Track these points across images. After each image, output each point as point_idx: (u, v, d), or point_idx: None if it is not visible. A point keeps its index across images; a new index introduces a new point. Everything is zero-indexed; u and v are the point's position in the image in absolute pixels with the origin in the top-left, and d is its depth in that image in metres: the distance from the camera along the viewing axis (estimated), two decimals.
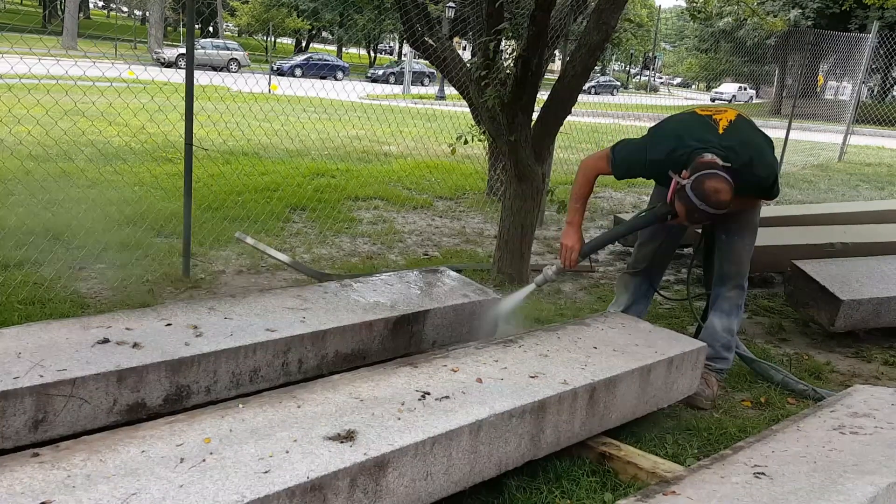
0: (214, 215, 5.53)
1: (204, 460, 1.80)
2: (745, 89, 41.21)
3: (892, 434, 2.34)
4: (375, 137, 10.96)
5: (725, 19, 29.02)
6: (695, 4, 9.64)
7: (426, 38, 6.39)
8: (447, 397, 2.24)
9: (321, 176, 7.93)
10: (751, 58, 32.54)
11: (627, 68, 61.40)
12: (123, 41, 28.99)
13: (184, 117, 4.21)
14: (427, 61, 7.73)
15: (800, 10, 28.64)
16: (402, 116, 11.85)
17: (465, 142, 5.38)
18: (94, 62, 5.05)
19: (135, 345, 2.40)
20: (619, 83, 44.34)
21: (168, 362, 2.34)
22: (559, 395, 2.36)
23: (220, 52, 30.17)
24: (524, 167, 4.51)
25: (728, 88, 41.63)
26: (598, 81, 34.93)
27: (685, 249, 5.54)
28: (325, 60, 34.27)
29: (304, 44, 48.70)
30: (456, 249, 5.64)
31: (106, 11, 58.53)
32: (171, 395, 2.36)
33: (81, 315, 3.33)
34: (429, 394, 2.26)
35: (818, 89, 26.71)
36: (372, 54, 50.63)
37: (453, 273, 3.62)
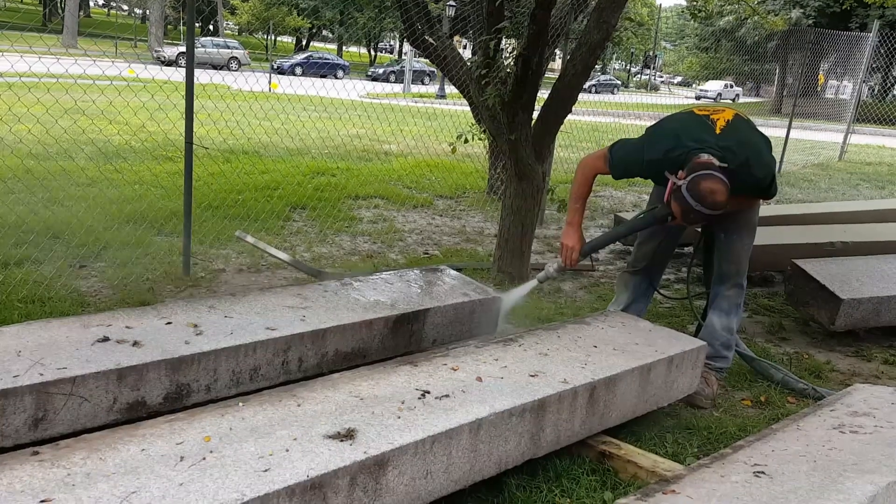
0: (215, 214, 5.53)
1: (204, 459, 1.80)
2: (731, 86, 40.90)
3: (892, 433, 2.34)
4: (376, 136, 10.95)
5: (726, 18, 29.00)
6: (695, 3, 9.63)
7: (426, 37, 6.39)
8: (447, 396, 2.24)
9: (321, 174, 7.93)
10: (751, 57, 32.52)
11: (628, 67, 61.36)
12: (124, 39, 28.95)
13: (184, 116, 4.21)
14: (427, 60, 7.74)
15: (801, 10, 28.62)
16: (402, 115, 11.85)
17: (466, 140, 5.38)
18: (95, 60, 5.05)
19: (135, 343, 2.40)
20: (619, 82, 44.32)
21: (168, 361, 2.34)
22: (559, 394, 2.36)
23: (221, 50, 30.17)
24: (524, 166, 4.51)
25: (713, 86, 41.25)
26: (598, 80, 34.89)
27: (685, 248, 5.54)
28: (326, 59, 34.24)
29: (304, 42, 48.69)
30: (456, 248, 5.64)
31: (106, 10, 58.52)
32: (171, 393, 2.36)
33: (81, 313, 3.33)
34: (429, 392, 2.26)
35: (819, 88, 26.72)
36: (372, 53, 50.60)
37: (453, 272, 3.62)
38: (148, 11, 38.80)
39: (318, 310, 2.88)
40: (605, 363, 2.63)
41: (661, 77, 61.07)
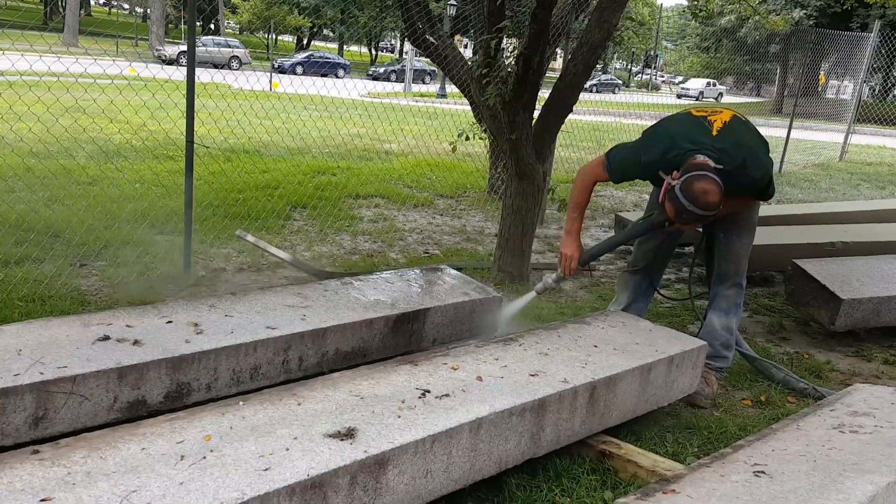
0: (215, 213, 5.53)
1: (204, 457, 1.80)
2: (714, 84, 40.51)
3: (892, 433, 2.34)
4: (376, 135, 10.95)
5: (727, 17, 28.97)
6: (696, 3, 9.63)
7: (427, 36, 6.38)
8: (447, 395, 2.24)
9: (322, 174, 7.93)
10: (752, 56, 32.48)
11: (629, 67, 61.33)
12: (125, 38, 28.99)
13: (185, 115, 4.21)
14: (428, 59, 7.73)
15: (803, 11, 28.59)
16: (403, 114, 11.85)
17: (467, 138, 5.37)
18: (96, 59, 5.04)
19: (135, 342, 2.40)
20: (620, 81, 44.28)
21: (169, 359, 2.34)
22: (559, 394, 2.36)
23: (222, 49, 30.15)
24: (525, 165, 4.51)
25: (695, 84, 40.87)
26: (599, 80, 34.85)
27: (686, 248, 5.54)
28: (327, 58, 34.23)
29: (305, 41, 48.68)
30: (456, 248, 5.64)
31: (107, 8, 58.53)
32: (172, 392, 2.37)
33: (82, 312, 3.34)
34: (429, 392, 2.26)
35: (819, 88, 26.70)
36: (373, 52, 50.60)
37: (454, 271, 3.62)
38: (149, 10, 38.81)
39: (318, 309, 2.88)
40: (605, 363, 2.63)
41: (662, 77, 61.02)
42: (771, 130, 9.57)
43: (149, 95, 6.11)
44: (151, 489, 1.66)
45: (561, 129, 4.92)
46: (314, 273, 4.47)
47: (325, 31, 51.19)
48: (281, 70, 28.31)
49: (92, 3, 54.20)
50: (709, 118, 3.01)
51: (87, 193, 5.89)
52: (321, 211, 6.12)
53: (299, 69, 30.14)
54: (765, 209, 4.69)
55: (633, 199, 8.46)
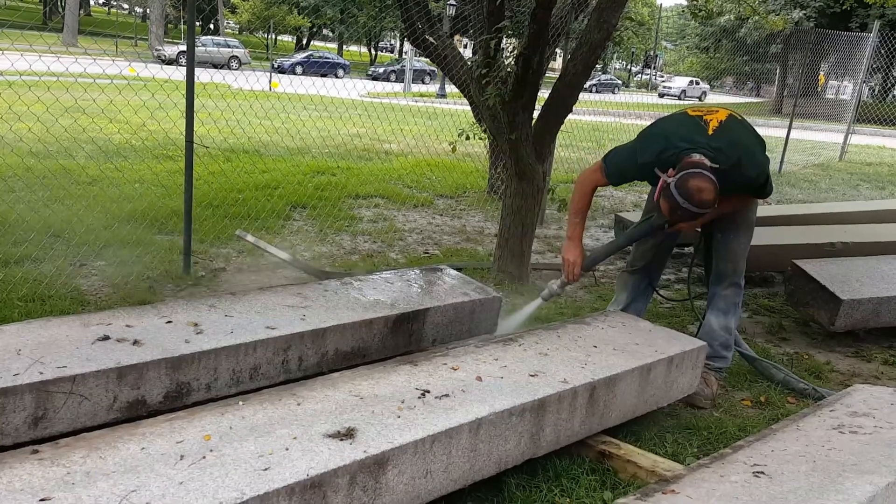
0: (215, 213, 5.53)
1: (204, 457, 1.80)
2: (697, 83, 40.17)
3: (892, 434, 2.34)
4: (376, 135, 10.95)
5: (726, 16, 28.97)
6: (696, 3, 9.63)
7: (427, 36, 6.38)
8: (447, 395, 2.24)
9: (322, 174, 7.93)
10: (752, 57, 32.49)
11: (629, 67, 61.34)
12: (124, 38, 28.99)
13: (184, 115, 4.21)
14: (428, 59, 7.73)
15: (802, 12, 28.58)
16: (402, 114, 11.85)
17: (467, 137, 5.37)
18: (95, 59, 5.04)
19: (135, 342, 2.40)
20: (620, 82, 44.29)
21: (168, 359, 2.34)
22: (559, 394, 2.36)
23: (221, 49, 30.14)
24: (525, 165, 4.51)
25: (678, 83, 40.40)
26: (599, 80, 34.85)
27: (685, 249, 5.54)
28: (326, 58, 34.23)
29: (304, 41, 48.67)
30: (456, 248, 5.64)
31: (107, 8, 58.52)
32: (172, 392, 2.37)
33: (81, 312, 3.33)
34: (429, 392, 2.26)
35: (819, 89, 26.70)
36: (373, 52, 50.59)
37: (453, 271, 3.62)
38: (148, 10, 38.79)
39: (318, 309, 2.88)
40: (604, 363, 2.63)
41: (662, 77, 61.01)
42: (770, 131, 9.58)
43: (148, 95, 6.11)
44: (151, 489, 1.66)
45: (561, 130, 4.92)
46: (314, 273, 4.47)
47: (325, 31, 51.18)
48: (280, 70, 28.30)
49: (91, 2, 54.18)
50: (704, 118, 3.02)
51: (86, 193, 5.89)
52: (321, 211, 6.12)
53: (299, 69, 30.13)
54: (764, 209, 4.70)
55: (632, 199, 8.46)
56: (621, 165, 3.14)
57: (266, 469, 1.76)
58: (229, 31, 45.76)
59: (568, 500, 2.35)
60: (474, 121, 6.44)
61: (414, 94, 23.26)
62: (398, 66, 34.11)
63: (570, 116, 4.74)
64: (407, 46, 31.13)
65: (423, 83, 32.42)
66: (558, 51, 6.74)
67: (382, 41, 55.28)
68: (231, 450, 1.84)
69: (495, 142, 5.62)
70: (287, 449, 1.86)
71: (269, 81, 17.57)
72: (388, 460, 1.91)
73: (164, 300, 3.79)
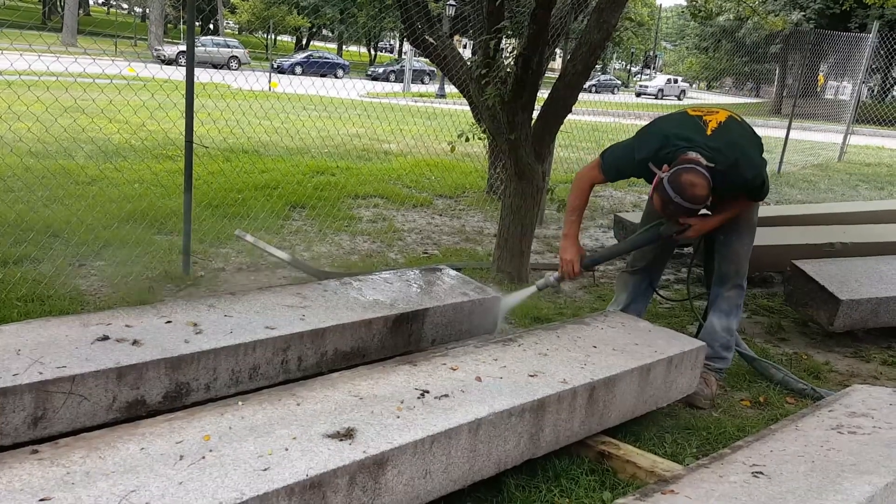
0: (214, 213, 5.53)
1: (203, 457, 1.80)
2: (675, 82, 40.02)
3: (890, 434, 2.34)
4: (375, 135, 10.95)
5: (724, 15, 28.97)
6: (695, 3, 9.63)
7: (426, 36, 6.39)
8: (446, 396, 2.24)
9: (321, 174, 7.93)
10: (751, 57, 32.51)
11: (628, 67, 61.35)
12: (123, 38, 28.97)
13: (184, 115, 4.21)
14: (427, 59, 7.73)
15: (802, 13, 28.59)
16: (402, 114, 11.86)
17: (467, 139, 5.38)
18: (94, 59, 5.04)
19: (134, 342, 2.40)
20: (619, 82, 44.31)
21: (168, 359, 2.34)
22: (558, 394, 2.37)
23: (221, 49, 30.14)
24: (524, 165, 4.51)
25: (655, 81, 40.18)
26: (598, 80, 34.86)
27: (685, 249, 5.54)
28: (326, 58, 34.23)
29: (304, 41, 48.67)
30: (455, 248, 5.64)
31: (106, 8, 58.52)
32: (171, 392, 2.37)
33: (81, 312, 3.33)
34: (428, 392, 2.26)
35: (818, 89, 26.71)
36: (372, 52, 50.59)
37: (453, 272, 3.62)
38: (148, 10, 38.76)
39: (317, 309, 2.88)
40: (604, 363, 2.63)
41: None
42: (770, 131, 9.59)
43: (148, 95, 6.11)
44: (150, 489, 1.66)
45: (560, 130, 4.93)
46: (313, 273, 4.47)
47: (325, 32, 51.18)
48: (280, 70, 28.29)
49: (90, 2, 54.16)
50: (704, 118, 3.03)
51: (85, 193, 5.89)
52: (320, 211, 6.12)
53: (298, 69, 30.11)
54: (764, 210, 4.69)
55: (632, 199, 8.47)
56: (618, 162, 3.15)
57: (265, 469, 1.76)
58: (229, 31, 45.77)
59: (567, 500, 2.35)
60: (474, 121, 6.45)
61: (413, 95, 23.27)
62: (398, 67, 34.12)
63: (569, 116, 4.75)
64: (406, 47, 31.15)
65: (423, 83, 32.44)
66: (558, 51, 6.75)
67: (382, 41, 55.30)
68: (230, 450, 1.84)
69: (495, 142, 5.62)
70: (286, 449, 1.86)
71: (269, 81, 17.57)
72: (387, 461, 1.91)
73: (163, 300, 3.79)
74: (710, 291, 3.42)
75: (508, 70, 4.32)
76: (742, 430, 2.93)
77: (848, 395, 2.74)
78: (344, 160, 8.73)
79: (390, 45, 60.10)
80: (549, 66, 6.54)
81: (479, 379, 2.39)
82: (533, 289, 3.40)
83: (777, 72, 31.71)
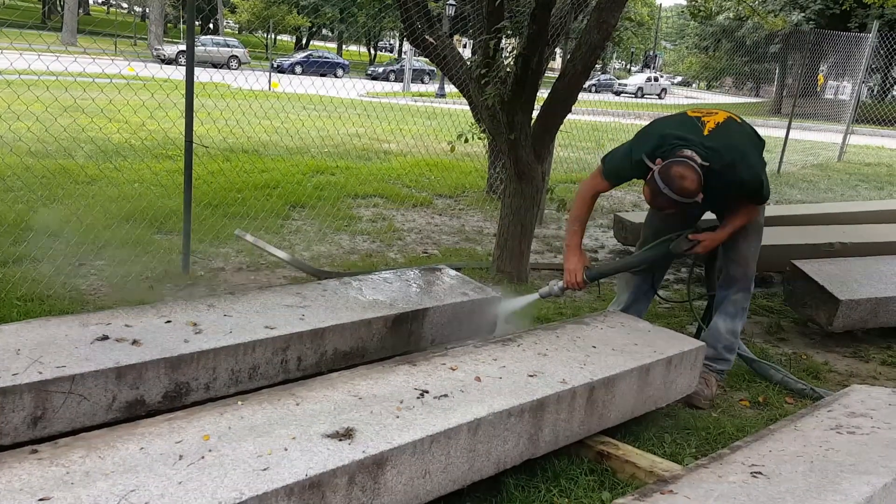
0: (214, 212, 5.53)
1: (203, 457, 1.80)
2: (656, 80, 39.54)
3: (890, 434, 2.34)
4: (375, 135, 10.95)
5: (724, 14, 28.98)
6: (695, 3, 9.63)
7: (426, 36, 6.39)
8: (446, 396, 2.24)
9: (321, 173, 7.93)
10: (751, 57, 32.51)
11: (628, 67, 61.35)
12: (123, 38, 28.96)
13: (184, 114, 4.21)
14: (427, 59, 7.73)
15: (802, 14, 28.58)
16: (401, 114, 11.86)
17: (466, 140, 5.38)
18: (94, 58, 5.04)
19: (134, 342, 2.40)
20: (619, 81, 44.26)
21: (167, 359, 2.34)
22: (558, 395, 2.37)
23: (221, 49, 30.11)
24: (524, 165, 4.51)
25: (634, 80, 39.67)
26: (598, 80, 34.84)
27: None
28: (326, 58, 34.23)
29: (304, 41, 48.66)
30: (455, 248, 5.64)
31: (106, 8, 58.50)
32: (171, 392, 2.37)
33: (80, 312, 3.33)
34: (427, 392, 2.26)
35: (818, 89, 26.69)
36: (372, 52, 50.58)
37: (452, 271, 3.62)
38: (148, 9, 38.73)
39: (317, 309, 2.88)
40: (603, 363, 2.63)
41: (661, 77, 61.03)
42: (769, 131, 9.57)
43: (148, 95, 6.11)
44: (150, 489, 1.66)
45: (560, 130, 4.93)
46: (313, 273, 4.47)
47: (324, 31, 51.17)
48: (280, 70, 28.28)
49: (90, 2, 54.14)
50: (703, 119, 3.04)
51: (85, 193, 5.89)
52: (320, 210, 6.12)
53: (298, 69, 30.11)
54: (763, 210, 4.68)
55: (632, 199, 8.46)
56: (617, 165, 3.16)
57: (265, 469, 1.77)
58: (229, 30, 45.74)
59: (566, 500, 2.35)
60: (473, 121, 6.45)
61: (413, 94, 23.25)
62: (397, 66, 34.10)
63: (569, 116, 4.75)
64: (406, 46, 31.13)
65: (423, 83, 32.42)
66: (558, 51, 6.74)
67: (382, 41, 55.28)
68: (230, 450, 1.84)
69: (494, 142, 5.62)
70: (286, 449, 1.86)
71: (269, 81, 17.56)
72: (386, 460, 1.91)
73: (163, 300, 3.79)
74: (717, 293, 3.42)
75: (508, 70, 4.32)
76: (741, 430, 2.93)
77: (847, 395, 2.75)
78: (344, 160, 8.73)
79: (390, 44, 60.07)
80: (549, 65, 6.54)
81: (478, 379, 2.39)
82: (535, 296, 3.40)
83: (777, 71, 31.70)
